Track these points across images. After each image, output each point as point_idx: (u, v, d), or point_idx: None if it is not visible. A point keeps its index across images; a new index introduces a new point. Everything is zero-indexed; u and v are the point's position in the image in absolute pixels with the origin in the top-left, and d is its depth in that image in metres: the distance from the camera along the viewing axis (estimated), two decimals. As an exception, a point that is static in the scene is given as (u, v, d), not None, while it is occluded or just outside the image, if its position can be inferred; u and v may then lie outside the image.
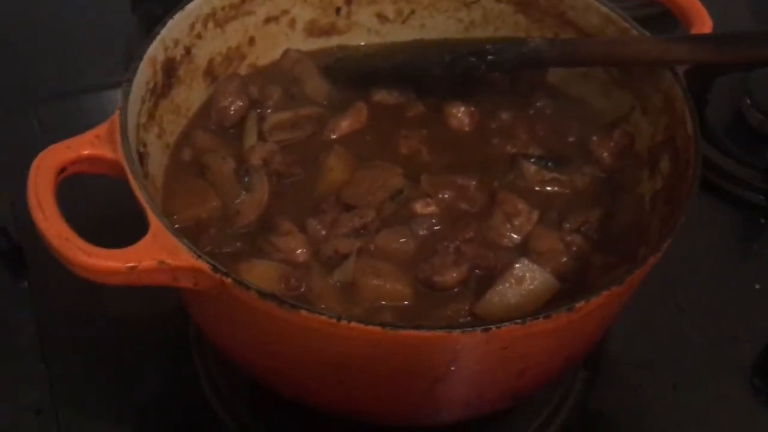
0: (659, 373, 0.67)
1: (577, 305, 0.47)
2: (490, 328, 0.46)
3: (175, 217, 0.59)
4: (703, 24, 0.64)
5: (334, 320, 0.46)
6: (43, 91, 0.87)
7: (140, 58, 0.58)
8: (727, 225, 0.78)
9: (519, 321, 0.46)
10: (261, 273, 0.55)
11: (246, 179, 0.61)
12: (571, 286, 0.56)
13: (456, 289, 0.57)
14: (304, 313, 0.46)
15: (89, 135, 0.53)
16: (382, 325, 0.46)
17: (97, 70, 0.90)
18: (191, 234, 0.57)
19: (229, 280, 0.47)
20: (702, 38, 0.62)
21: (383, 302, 0.56)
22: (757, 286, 0.73)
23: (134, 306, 0.68)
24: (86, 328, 0.68)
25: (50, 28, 0.94)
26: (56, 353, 0.66)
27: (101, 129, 0.53)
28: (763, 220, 0.78)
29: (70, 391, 0.64)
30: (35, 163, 0.51)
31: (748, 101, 0.82)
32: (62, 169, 0.51)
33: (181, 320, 0.67)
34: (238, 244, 0.58)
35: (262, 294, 0.46)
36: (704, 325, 0.70)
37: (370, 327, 0.46)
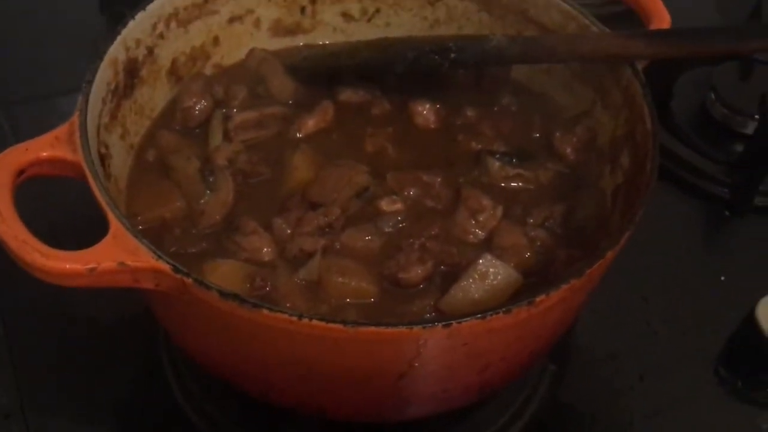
0: (626, 365, 0.67)
1: (538, 299, 0.48)
2: (451, 323, 0.46)
3: (139, 218, 0.59)
4: (662, 20, 0.64)
5: (295, 318, 0.46)
6: (13, 93, 0.86)
7: (100, 58, 0.58)
8: (692, 217, 0.79)
9: (480, 316, 0.47)
10: (226, 273, 0.55)
11: (211, 179, 0.61)
12: (534, 281, 0.57)
13: (421, 286, 0.57)
14: (265, 311, 0.46)
15: (48, 136, 0.52)
16: (344, 322, 0.46)
17: (69, 73, 0.88)
18: (156, 235, 0.57)
19: (189, 281, 0.47)
20: (659, 33, 0.63)
21: (349, 300, 0.56)
22: (722, 278, 0.74)
23: (103, 308, 0.68)
24: (55, 331, 0.67)
25: (21, 30, 0.93)
26: (24, 356, 0.65)
27: (61, 130, 0.53)
28: (727, 213, 0.79)
29: (39, 394, 0.63)
30: (-7, 165, 0.50)
31: (713, 96, 0.84)
32: (21, 171, 0.51)
33: (150, 322, 0.66)
34: (204, 245, 0.58)
35: (224, 294, 0.46)
36: (670, 317, 0.71)
37: (331, 324, 0.46)
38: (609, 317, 0.70)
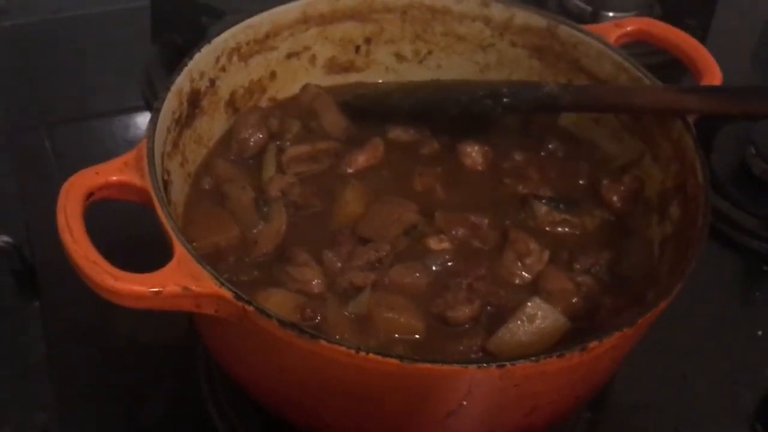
0: (662, 416, 0.67)
1: (590, 345, 0.48)
2: (505, 364, 0.47)
3: (194, 244, 0.59)
4: (714, 76, 0.65)
5: (352, 351, 0.46)
6: (57, 114, 0.88)
7: (168, 89, 0.59)
8: (730, 272, 0.80)
9: (533, 358, 0.47)
10: (277, 302, 0.56)
11: (265, 209, 0.62)
12: (580, 326, 0.57)
13: (467, 325, 0.57)
14: (323, 343, 0.47)
15: (117, 162, 0.54)
16: (400, 357, 0.47)
17: (112, 96, 0.91)
18: (210, 261, 0.57)
19: (251, 308, 0.48)
20: (713, 90, 0.64)
21: (396, 335, 0.56)
22: (760, 333, 0.74)
23: (145, 330, 0.69)
24: (96, 351, 0.68)
25: (69, 52, 0.96)
26: (65, 374, 0.66)
27: (129, 156, 0.54)
28: (765, 268, 0.79)
29: (78, 412, 0.64)
30: (65, 186, 0.52)
31: (753, 150, 0.84)
32: (90, 194, 0.52)
33: (191, 346, 0.68)
34: (256, 273, 0.59)
35: (283, 323, 0.47)
36: (707, 370, 0.71)
37: (387, 359, 0.47)
38: (647, 368, 0.69)
